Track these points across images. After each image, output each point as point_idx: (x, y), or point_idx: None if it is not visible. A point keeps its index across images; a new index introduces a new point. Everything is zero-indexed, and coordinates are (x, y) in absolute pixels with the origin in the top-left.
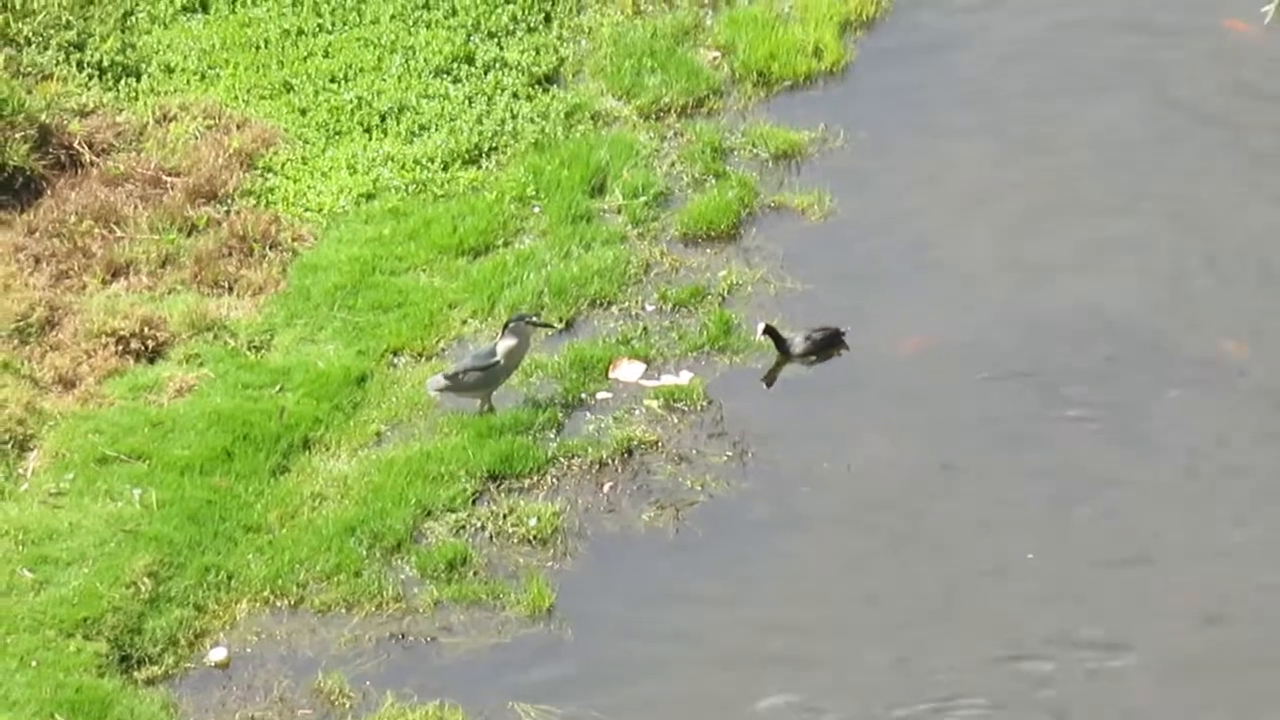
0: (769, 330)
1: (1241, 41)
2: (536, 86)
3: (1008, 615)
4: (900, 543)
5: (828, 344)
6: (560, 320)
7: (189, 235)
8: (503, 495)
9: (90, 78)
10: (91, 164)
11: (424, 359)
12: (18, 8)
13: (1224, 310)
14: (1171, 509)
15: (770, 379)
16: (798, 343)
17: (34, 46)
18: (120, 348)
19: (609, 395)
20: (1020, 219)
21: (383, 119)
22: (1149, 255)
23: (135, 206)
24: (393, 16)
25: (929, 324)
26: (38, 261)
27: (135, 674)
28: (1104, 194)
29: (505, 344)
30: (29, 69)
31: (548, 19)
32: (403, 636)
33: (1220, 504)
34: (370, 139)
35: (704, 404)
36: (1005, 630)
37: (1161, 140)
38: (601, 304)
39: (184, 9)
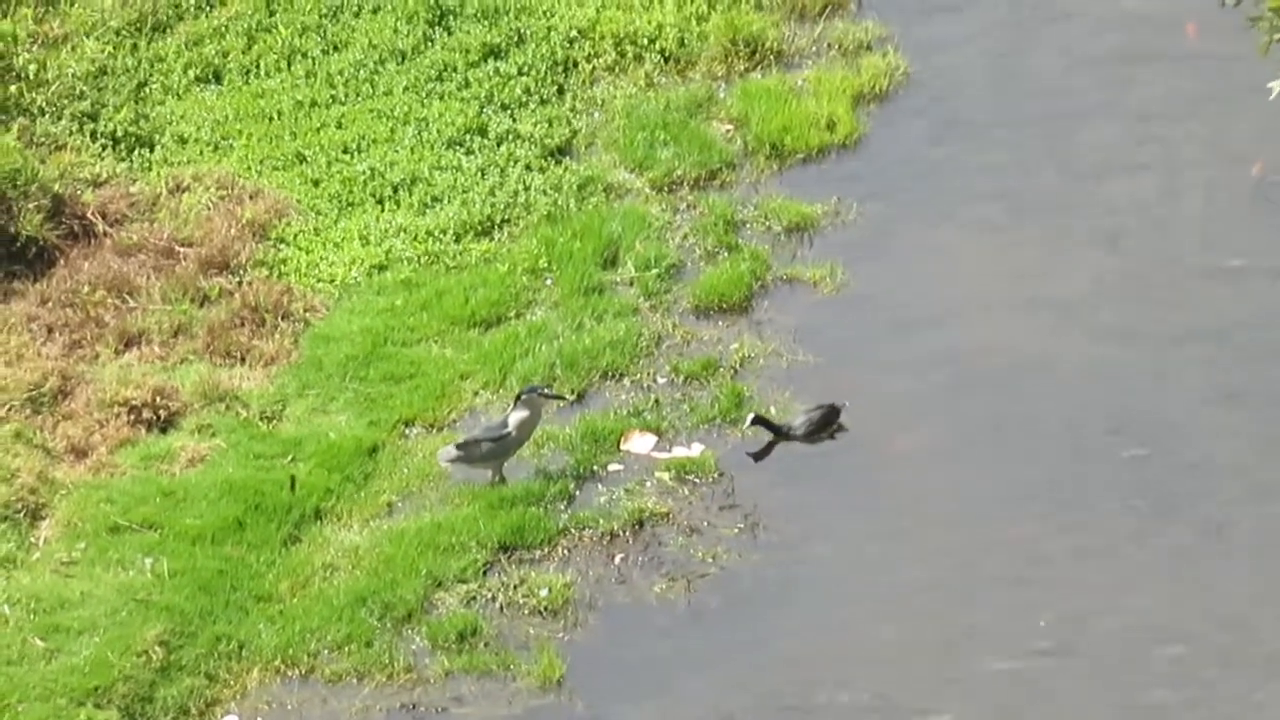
0: (759, 420)
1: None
2: (549, 158)
3: (1024, 687)
4: (909, 616)
5: (826, 422)
6: (572, 392)
7: (201, 306)
8: (514, 566)
9: (104, 148)
10: (105, 234)
11: (436, 430)
12: (32, 78)
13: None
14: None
15: (760, 456)
16: (796, 425)
17: (48, 116)
18: (132, 417)
19: (620, 467)
20: (1033, 294)
21: (395, 190)
22: (1167, 338)
23: (148, 277)
24: (406, 88)
25: (939, 399)
26: (50, 331)
27: None
28: (1120, 271)
29: (517, 415)
30: (43, 139)
31: (561, 91)
32: (414, 707)
33: None
34: (383, 210)
35: (715, 476)
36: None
37: (1179, 211)
38: (613, 376)
39: (197, 80)
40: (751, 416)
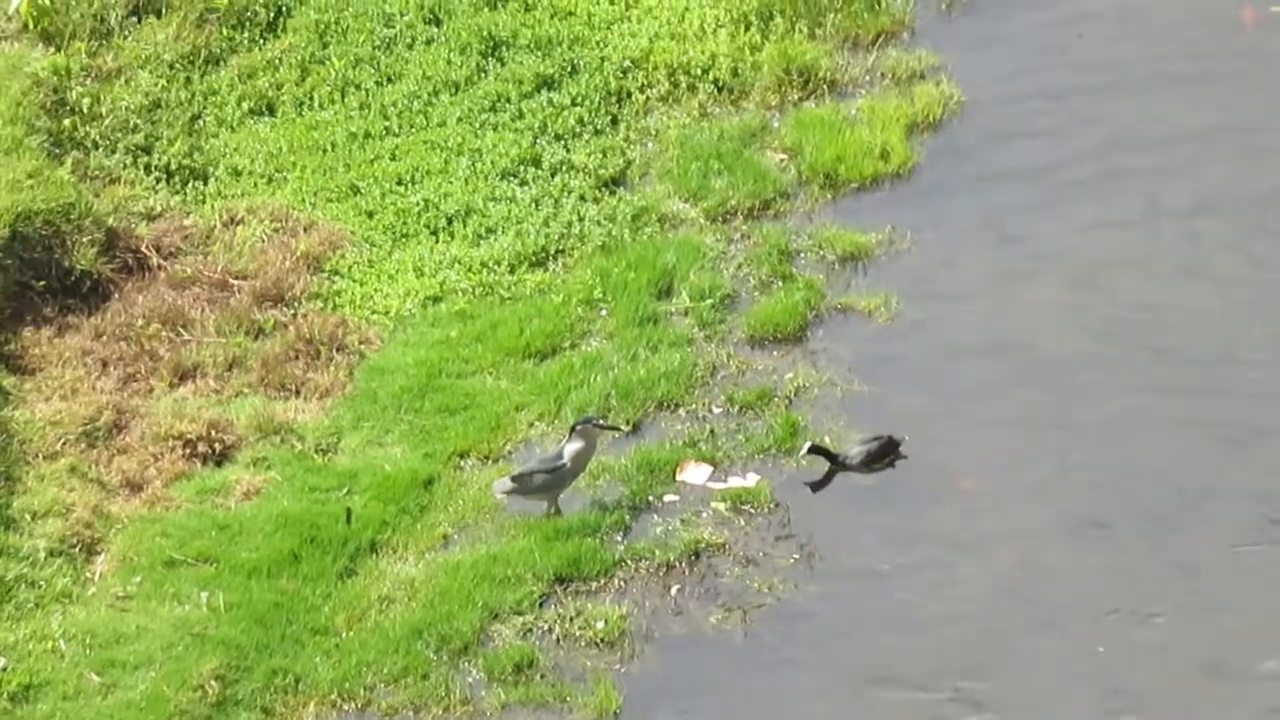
0: (815, 449)
1: None
2: (603, 189)
3: None
4: (965, 649)
5: (884, 453)
6: (627, 423)
7: (256, 338)
8: (570, 598)
9: (158, 181)
10: (159, 267)
11: (491, 462)
12: (86, 111)
13: None
14: None
15: (818, 486)
16: (853, 455)
17: (101, 150)
18: (187, 451)
19: (676, 498)
20: (1093, 321)
21: (449, 222)
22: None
23: (202, 310)
24: (459, 119)
25: (997, 430)
26: (105, 365)
27: None
28: (1188, 299)
29: (572, 447)
30: (96, 172)
31: (614, 121)
32: None
33: None
34: (437, 242)
35: (771, 506)
36: None
37: (1237, 236)
38: (668, 406)
39: (251, 112)
40: (808, 445)
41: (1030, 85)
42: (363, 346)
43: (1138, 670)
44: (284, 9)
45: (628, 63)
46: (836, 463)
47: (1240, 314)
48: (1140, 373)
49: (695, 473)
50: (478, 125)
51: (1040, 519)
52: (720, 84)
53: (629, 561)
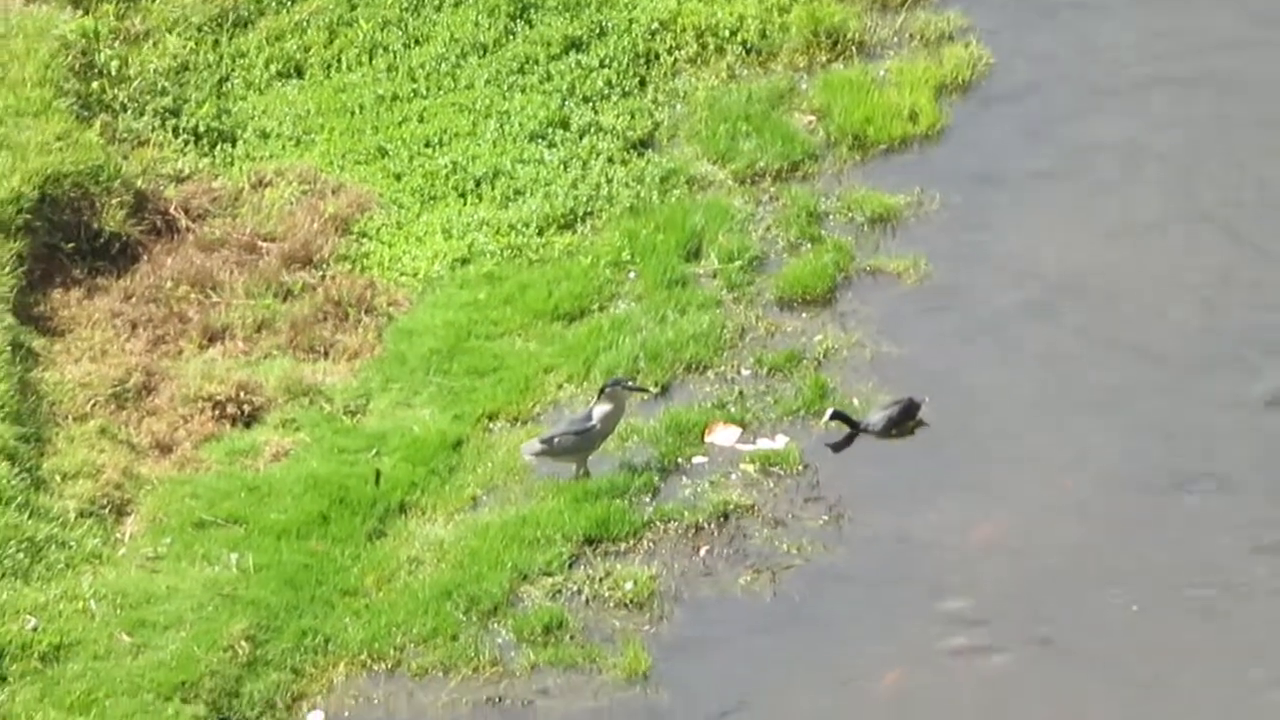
0: (837, 415)
1: None
2: (631, 151)
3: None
4: (999, 603)
5: (905, 417)
6: (656, 385)
7: (284, 300)
8: (599, 559)
9: (186, 144)
10: (187, 229)
11: (519, 424)
12: (114, 74)
13: None
14: None
15: (839, 448)
16: (875, 421)
17: (130, 113)
18: (217, 413)
19: (705, 460)
20: (1124, 284)
21: (477, 184)
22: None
23: (231, 272)
24: (487, 81)
25: (1025, 391)
26: (134, 327)
27: None
28: (1223, 260)
29: (601, 409)
30: (125, 135)
31: (643, 83)
32: (499, 700)
33: None
34: (465, 204)
35: (800, 468)
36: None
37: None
38: (697, 369)
39: (279, 75)
40: (830, 412)
41: (1059, 46)
42: (391, 308)
43: (1178, 623)
44: None
45: (656, 24)
46: (858, 428)
47: None
48: (1172, 334)
49: (724, 434)
50: (506, 87)
51: (1071, 479)
52: (748, 46)
53: (658, 523)
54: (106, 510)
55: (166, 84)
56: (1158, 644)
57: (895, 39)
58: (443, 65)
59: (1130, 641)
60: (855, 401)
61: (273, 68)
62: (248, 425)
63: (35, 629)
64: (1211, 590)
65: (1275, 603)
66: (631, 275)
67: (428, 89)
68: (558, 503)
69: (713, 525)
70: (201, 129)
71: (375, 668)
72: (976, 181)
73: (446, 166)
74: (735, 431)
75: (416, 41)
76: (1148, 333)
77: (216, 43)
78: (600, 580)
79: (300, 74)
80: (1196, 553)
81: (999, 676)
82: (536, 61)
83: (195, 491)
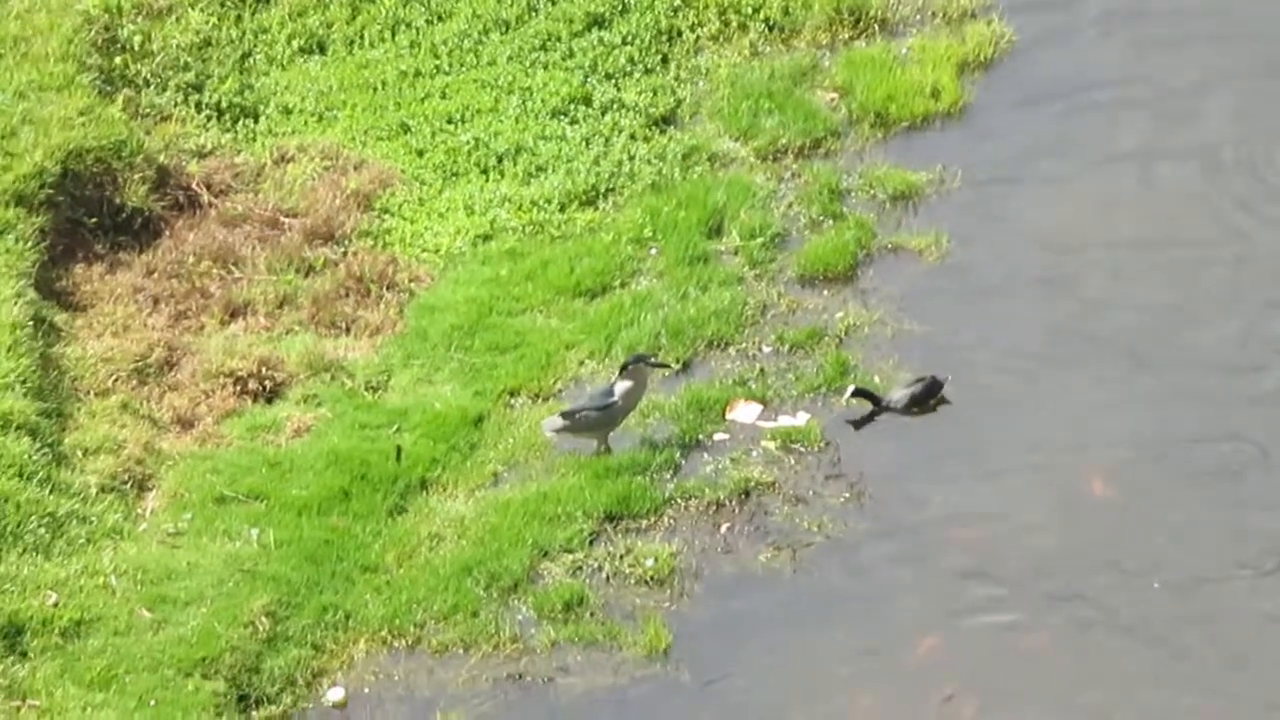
0: (859, 392)
1: None
2: (654, 128)
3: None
4: (1022, 581)
5: (928, 395)
6: (677, 361)
7: (306, 276)
8: (619, 536)
9: (208, 119)
10: (210, 205)
11: (541, 400)
12: (137, 49)
13: None
14: None
15: (860, 425)
16: (897, 398)
17: (153, 88)
18: (238, 388)
19: (726, 436)
20: (1144, 261)
21: (500, 160)
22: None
23: (253, 247)
24: (510, 58)
25: (1046, 368)
26: (156, 302)
27: (253, 714)
28: (1247, 236)
29: (623, 385)
30: (148, 110)
31: (665, 60)
32: (520, 677)
33: None
34: (487, 180)
35: (821, 445)
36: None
37: None
38: (718, 345)
39: (301, 50)
40: (851, 389)
41: (1082, 24)
42: (413, 284)
43: (1192, 605)
44: None
45: (678, 1)
46: (880, 405)
47: None
48: (1197, 311)
49: (745, 411)
50: (528, 64)
51: (1092, 456)
52: (771, 23)
53: (679, 500)
54: (128, 485)
55: (189, 59)
56: (1184, 615)
57: (918, 16)
58: (465, 41)
59: (1159, 613)
60: (876, 379)
61: (295, 43)
62: (269, 401)
63: (56, 604)
64: (1245, 566)
65: None
66: (653, 252)
67: (450, 65)
68: (579, 479)
69: (734, 502)
70: (224, 104)
71: (396, 644)
72: (998, 159)
73: (469, 143)
74: (756, 408)
75: (439, 17)
76: (1173, 309)
77: (239, 18)
78: (621, 557)
79: (323, 50)
80: (1227, 528)
81: (1026, 650)
82: (559, 38)
83: (216, 467)
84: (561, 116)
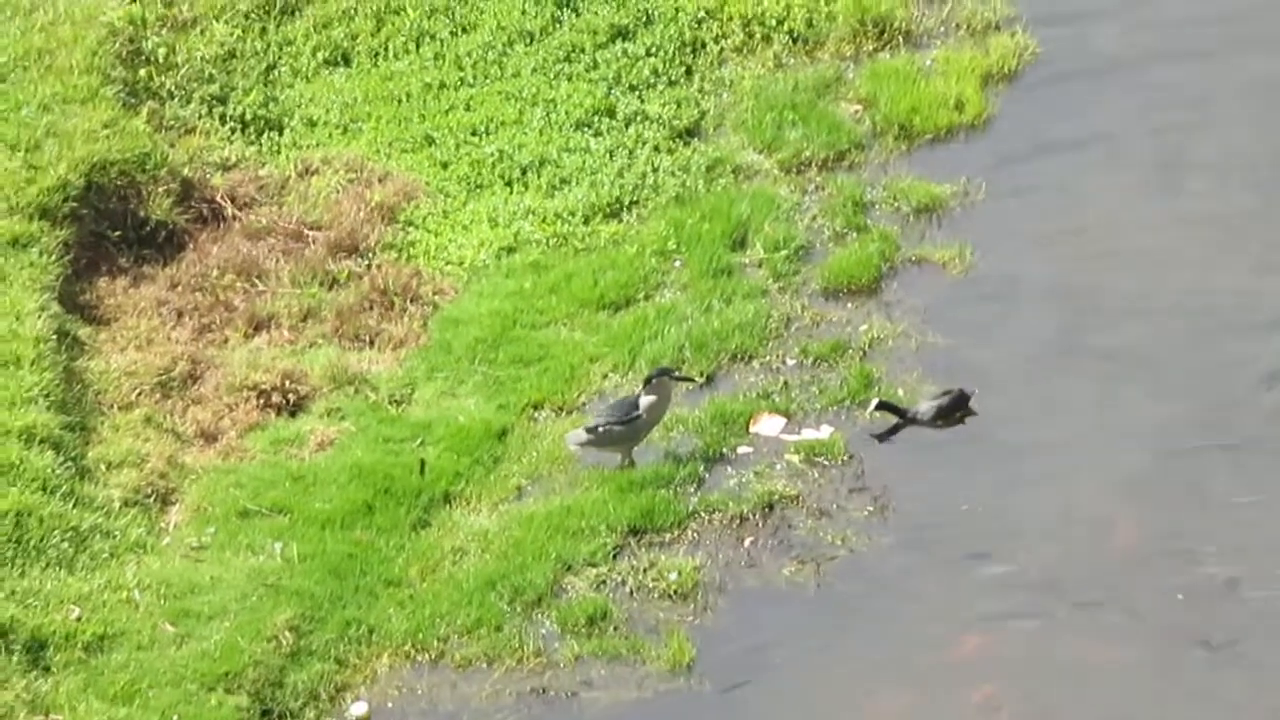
0: (883, 405)
1: None
2: (677, 140)
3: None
4: (1050, 592)
5: (954, 408)
6: (701, 374)
7: (330, 289)
8: (643, 550)
9: (233, 131)
10: (234, 218)
11: (565, 413)
12: (161, 61)
13: None
14: None
15: (884, 438)
16: (923, 411)
17: (177, 100)
18: (262, 401)
19: (749, 450)
20: (1160, 274)
21: (524, 172)
22: None
23: (277, 260)
24: (534, 70)
25: (1069, 382)
26: (180, 315)
27: None
28: (1262, 248)
29: (647, 399)
30: (172, 123)
31: (689, 72)
32: (543, 691)
33: None
34: (511, 192)
35: (845, 458)
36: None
37: None
38: (742, 358)
39: (326, 63)
40: (876, 402)
41: (1106, 37)
42: (437, 297)
43: (1211, 607)
44: None
45: (702, 13)
46: (906, 418)
47: None
48: (1218, 324)
49: (769, 424)
50: (552, 76)
51: (1116, 470)
52: (795, 35)
53: (702, 513)
54: (151, 499)
55: (214, 71)
56: (1210, 620)
57: (942, 28)
58: (490, 53)
59: (1185, 620)
60: (900, 392)
61: (320, 55)
62: (293, 414)
63: (79, 619)
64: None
65: None
66: (677, 264)
67: (475, 77)
68: (602, 493)
69: (757, 516)
70: (248, 117)
71: (419, 658)
72: (1022, 171)
73: (493, 155)
74: (780, 421)
75: (464, 29)
76: (1195, 323)
77: (264, 30)
78: (644, 571)
79: (347, 62)
80: (1250, 535)
81: (1056, 660)
82: (583, 50)
83: (240, 481)
84: (585, 128)
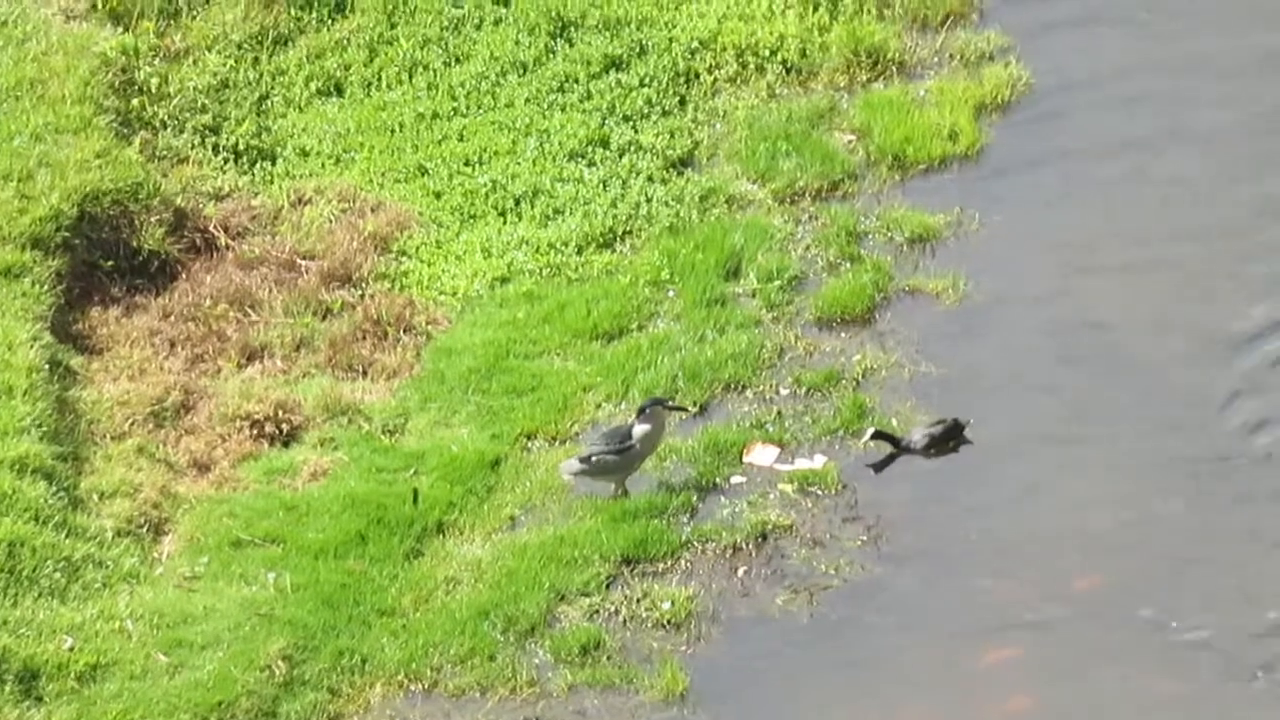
0: (879, 434)
1: None
2: (671, 170)
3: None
4: (1044, 623)
5: (948, 437)
6: (694, 404)
7: (323, 319)
8: (636, 579)
9: (226, 161)
10: (227, 247)
11: (558, 443)
12: (154, 91)
13: None
14: None
15: (879, 468)
16: (917, 439)
17: (170, 130)
18: (255, 431)
19: (743, 479)
20: (1156, 304)
21: (517, 202)
22: None
23: (270, 290)
24: (527, 100)
25: (1063, 413)
26: (173, 345)
27: None
28: (1260, 280)
29: (641, 428)
30: (165, 152)
31: (682, 102)
32: None
33: None
34: (504, 222)
35: (838, 488)
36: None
37: None
38: (735, 388)
39: (319, 92)
40: (871, 431)
41: (1099, 66)
42: (430, 327)
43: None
44: None
45: (696, 44)
46: (900, 447)
47: None
48: (1217, 355)
49: (762, 454)
50: (546, 106)
51: (1113, 503)
52: (788, 65)
53: (696, 543)
54: (144, 529)
55: (206, 101)
56: (1203, 650)
57: (935, 59)
58: (483, 83)
59: (1183, 657)
60: (894, 421)
61: (313, 85)
62: (286, 444)
63: (72, 648)
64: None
65: None
66: (671, 294)
67: (468, 107)
68: (595, 522)
69: (751, 545)
70: (241, 147)
71: (412, 688)
72: (1016, 201)
73: (486, 185)
74: (774, 451)
75: (457, 60)
76: (1193, 352)
77: (256, 60)
78: (638, 600)
79: (340, 92)
80: (1253, 560)
81: (1050, 693)
82: (576, 80)
83: (233, 511)
84: (579, 159)
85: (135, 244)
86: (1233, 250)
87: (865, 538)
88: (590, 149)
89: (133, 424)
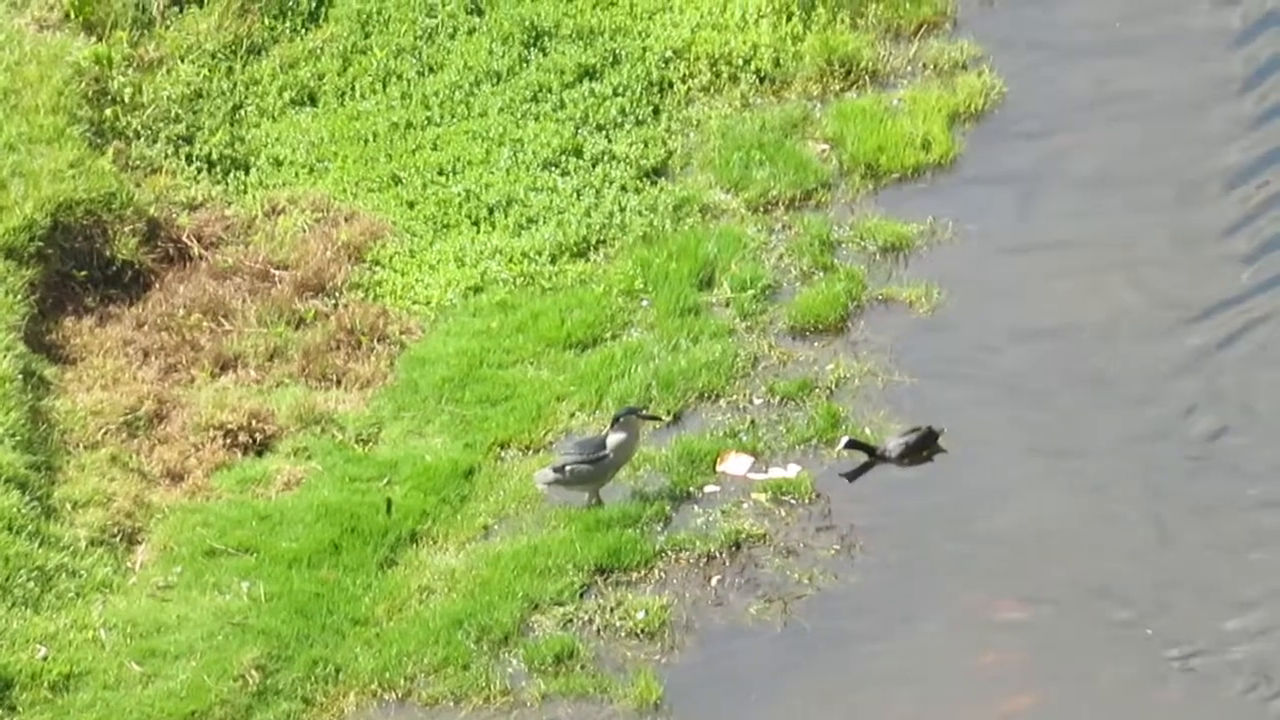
0: (853, 444)
1: None
2: (645, 179)
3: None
4: (1016, 633)
5: (922, 445)
6: (668, 413)
7: (297, 328)
8: (610, 589)
9: (199, 171)
10: (200, 257)
11: (532, 452)
12: (127, 101)
13: None
14: None
15: (854, 477)
16: (891, 447)
17: (143, 140)
18: (228, 441)
19: (717, 489)
20: (1134, 314)
21: (491, 212)
22: None
23: (243, 300)
24: (501, 110)
25: (1037, 422)
26: (146, 355)
27: None
28: (1230, 287)
29: (615, 438)
30: (138, 162)
31: (656, 112)
32: None
33: None
34: (478, 232)
35: (812, 497)
36: None
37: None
38: (709, 397)
39: (293, 102)
40: (846, 440)
41: (1072, 76)
42: (404, 336)
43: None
44: None
45: (669, 53)
46: (875, 456)
47: None
48: (1183, 364)
49: (736, 463)
50: (519, 115)
51: (1084, 511)
52: (762, 74)
53: (669, 552)
54: (117, 539)
55: (180, 111)
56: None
57: (908, 68)
58: (456, 93)
59: (1155, 669)
60: (868, 430)
61: (286, 95)
62: (259, 454)
63: (45, 658)
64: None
65: None
66: (644, 303)
67: (441, 117)
68: (569, 532)
69: (724, 554)
70: (215, 156)
71: (386, 697)
72: (989, 210)
73: (460, 194)
74: (747, 460)
75: (430, 69)
76: (1167, 358)
77: (230, 70)
78: (612, 610)
79: (314, 101)
80: (1226, 563)
81: (1017, 708)
82: (550, 90)
83: (206, 520)
84: (553, 168)
85: (109, 254)
86: (1206, 257)
87: (839, 547)
88: (564, 158)
89: (106, 433)
